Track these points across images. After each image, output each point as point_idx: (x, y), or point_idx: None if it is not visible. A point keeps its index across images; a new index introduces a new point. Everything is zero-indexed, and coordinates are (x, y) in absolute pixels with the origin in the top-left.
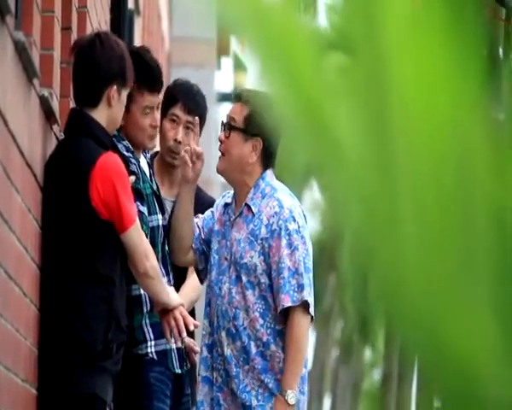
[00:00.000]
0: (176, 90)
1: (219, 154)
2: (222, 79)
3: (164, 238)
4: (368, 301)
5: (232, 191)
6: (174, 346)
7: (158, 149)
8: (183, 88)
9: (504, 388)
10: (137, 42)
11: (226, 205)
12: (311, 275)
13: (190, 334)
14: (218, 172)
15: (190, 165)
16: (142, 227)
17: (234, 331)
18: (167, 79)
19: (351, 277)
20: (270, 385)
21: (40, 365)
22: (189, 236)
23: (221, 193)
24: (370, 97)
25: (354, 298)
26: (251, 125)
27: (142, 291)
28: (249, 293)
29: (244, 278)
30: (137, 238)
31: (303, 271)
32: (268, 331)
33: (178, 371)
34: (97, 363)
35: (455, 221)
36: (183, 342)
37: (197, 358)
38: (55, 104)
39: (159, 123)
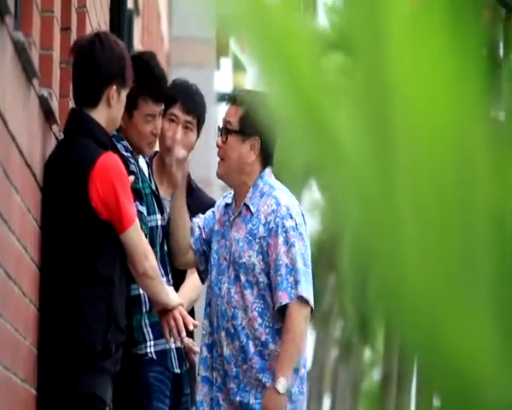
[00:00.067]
0: (174, 90)
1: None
2: (221, 80)
3: (163, 238)
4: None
5: (232, 192)
6: (173, 346)
7: (157, 148)
8: (181, 88)
9: (504, 388)
10: (137, 42)
11: (227, 205)
12: (310, 270)
13: (189, 334)
14: (218, 177)
15: (174, 171)
16: (142, 227)
17: (233, 331)
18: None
19: (350, 277)
20: (268, 384)
21: (39, 365)
22: (185, 239)
23: (221, 193)
24: (370, 97)
25: (354, 298)
26: (247, 126)
27: (141, 291)
28: (248, 292)
29: (243, 278)
30: (137, 238)
31: (300, 267)
32: (267, 331)
33: (178, 371)
34: (97, 363)
35: (455, 222)
36: (182, 342)
37: (196, 358)
38: (55, 104)
39: (160, 131)
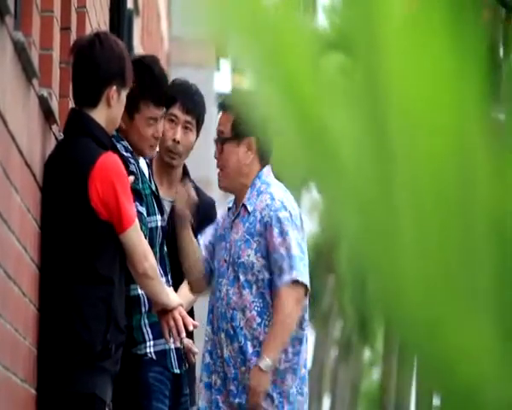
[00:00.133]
0: (174, 90)
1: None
2: (221, 80)
3: (162, 239)
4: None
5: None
6: (173, 346)
7: (157, 149)
8: (181, 88)
9: (503, 388)
10: (136, 42)
11: (229, 209)
12: (306, 257)
13: (189, 335)
14: (221, 188)
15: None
16: (141, 228)
17: (232, 333)
18: None
19: (349, 277)
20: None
21: (39, 365)
22: (197, 264)
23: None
24: (370, 98)
25: (353, 298)
26: (239, 129)
27: (140, 291)
28: (246, 292)
29: (242, 278)
30: (136, 239)
31: (296, 253)
32: (265, 330)
33: (177, 371)
34: (96, 363)
35: (454, 223)
36: (181, 342)
37: (196, 358)
38: (55, 104)
39: (161, 134)
